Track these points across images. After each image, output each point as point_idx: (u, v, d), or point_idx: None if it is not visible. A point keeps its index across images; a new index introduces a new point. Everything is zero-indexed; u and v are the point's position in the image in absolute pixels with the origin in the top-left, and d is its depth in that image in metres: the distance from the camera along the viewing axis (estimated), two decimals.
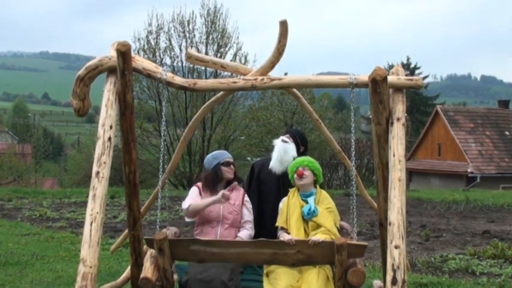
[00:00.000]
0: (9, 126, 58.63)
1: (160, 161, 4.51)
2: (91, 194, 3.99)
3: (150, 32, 20.66)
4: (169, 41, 20.80)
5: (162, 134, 4.76)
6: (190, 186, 6.71)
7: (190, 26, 20.89)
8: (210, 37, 21.02)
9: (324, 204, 4.77)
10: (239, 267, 4.69)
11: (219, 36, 21.06)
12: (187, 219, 4.98)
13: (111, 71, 4.35)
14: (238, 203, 4.96)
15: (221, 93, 5.23)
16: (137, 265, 4.79)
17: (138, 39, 20.55)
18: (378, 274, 7.06)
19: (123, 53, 4.13)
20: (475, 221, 13.30)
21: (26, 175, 30.54)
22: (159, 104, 19.95)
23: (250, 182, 5.41)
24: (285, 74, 6.13)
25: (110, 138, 4.15)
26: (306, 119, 21.22)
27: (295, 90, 5.59)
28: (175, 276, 4.56)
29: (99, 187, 4.00)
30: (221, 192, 4.74)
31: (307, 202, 4.73)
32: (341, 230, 4.82)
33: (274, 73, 4.69)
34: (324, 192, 4.89)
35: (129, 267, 5.28)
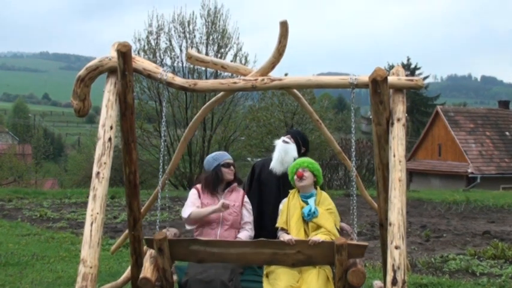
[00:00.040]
0: (9, 126, 58.65)
1: (160, 161, 4.51)
2: (91, 194, 3.99)
3: (150, 33, 20.65)
4: (170, 41, 20.81)
5: (162, 135, 4.76)
6: (190, 187, 6.71)
7: (191, 27, 20.90)
8: (211, 38, 21.01)
9: (324, 206, 4.77)
10: (239, 268, 4.69)
11: (220, 37, 21.06)
12: (187, 227, 4.98)
13: (111, 71, 4.36)
14: (238, 204, 4.96)
15: (221, 93, 5.23)
16: (137, 265, 4.79)
17: (139, 39, 20.56)
18: (378, 274, 7.06)
19: (124, 53, 4.13)
20: (475, 221, 13.30)
21: (26, 175, 30.52)
22: (159, 104, 19.95)
23: (250, 183, 5.41)
24: (286, 74, 6.13)
25: (110, 139, 4.16)
26: (307, 119, 21.20)
27: (295, 90, 5.59)
28: (175, 277, 4.56)
29: (99, 187, 4.00)
30: (221, 201, 4.75)
31: (307, 203, 4.73)
32: (341, 231, 4.82)
33: (275, 74, 4.69)
34: (324, 194, 4.89)
35: (129, 268, 5.29)
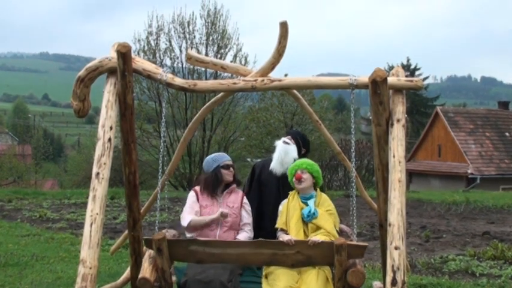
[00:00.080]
0: (9, 127, 58.59)
1: (160, 162, 4.51)
2: (91, 195, 3.99)
3: (150, 33, 20.69)
4: (170, 42, 20.84)
5: (161, 135, 4.75)
6: (190, 188, 6.71)
7: (191, 27, 20.92)
8: (210, 38, 21.03)
9: (324, 207, 4.76)
10: (238, 269, 4.68)
11: (219, 37, 21.07)
12: (187, 235, 4.98)
13: (111, 72, 4.36)
14: (236, 205, 4.96)
15: (221, 94, 5.23)
16: (137, 266, 4.79)
17: (138, 40, 20.59)
18: (377, 275, 7.05)
19: (124, 54, 4.13)
20: (475, 222, 13.30)
21: (26, 176, 30.51)
22: (159, 105, 19.96)
23: (250, 183, 5.41)
24: (285, 75, 6.12)
25: (110, 139, 4.16)
26: (306, 120, 21.22)
27: (295, 91, 5.59)
28: (174, 278, 4.56)
29: (99, 188, 4.00)
30: (219, 211, 4.76)
31: (307, 204, 4.73)
32: (340, 233, 4.81)
33: (274, 74, 4.68)
34: (324, 195, 4.88)
35: (129, 268, 5.28)
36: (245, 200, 5.04)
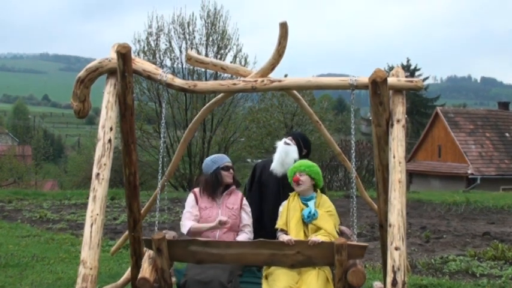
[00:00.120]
0: (9, 128, 58.57)
1: (160, 162, 4.51)
2: (91, 195, 3.99)
3: (150, 34, 20.66)
4: (170, 42, 20.82)
5: (161, 136, 4.75)
6: (190, 188, 6.71)
7: (191, 28, 20.90)
8: (210, 39, 21.02)
9: (324, 208, 4.76)
10: (238, 270, 4.68)
11: (219, 38, 21.06)
12: None
13: (111, 72, 4.36)
14: (236, 207, 4.96)
15: (221, 95, 5.24)
16: (137, 267, 4.78)
17: (138, 40, 20.57)
18: (378, 276, 7.05)
19: (123, 54, 4.13)
20: (475, 222, 13.29)
21: (26, 177, 30.53)
22: (159, 105, 19.93)
23: (251, 184, 5.42)
24: (285, 75, 6.11)
25: (110, 140, 4.16)
26: (306, 120, 21.23)
27: (295, 92, 5.59)
28: (173, 279, 4.56)
29: (99, 189, 4.00)
30: (218, 219, 4.75)
31: (307, 205, 4.73)
32: (341, 234, 4.80)
33: (274, 75, 4.69)
34: (324, 196, 4.88)
35: (129, 269, 5.28)
36: (245, 201, 5.04)
